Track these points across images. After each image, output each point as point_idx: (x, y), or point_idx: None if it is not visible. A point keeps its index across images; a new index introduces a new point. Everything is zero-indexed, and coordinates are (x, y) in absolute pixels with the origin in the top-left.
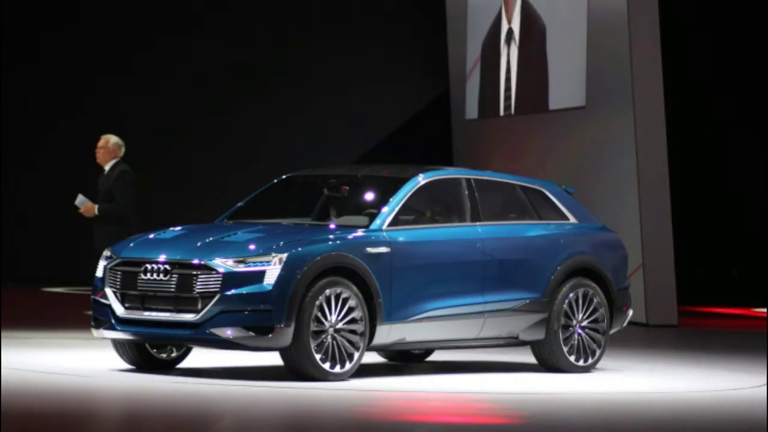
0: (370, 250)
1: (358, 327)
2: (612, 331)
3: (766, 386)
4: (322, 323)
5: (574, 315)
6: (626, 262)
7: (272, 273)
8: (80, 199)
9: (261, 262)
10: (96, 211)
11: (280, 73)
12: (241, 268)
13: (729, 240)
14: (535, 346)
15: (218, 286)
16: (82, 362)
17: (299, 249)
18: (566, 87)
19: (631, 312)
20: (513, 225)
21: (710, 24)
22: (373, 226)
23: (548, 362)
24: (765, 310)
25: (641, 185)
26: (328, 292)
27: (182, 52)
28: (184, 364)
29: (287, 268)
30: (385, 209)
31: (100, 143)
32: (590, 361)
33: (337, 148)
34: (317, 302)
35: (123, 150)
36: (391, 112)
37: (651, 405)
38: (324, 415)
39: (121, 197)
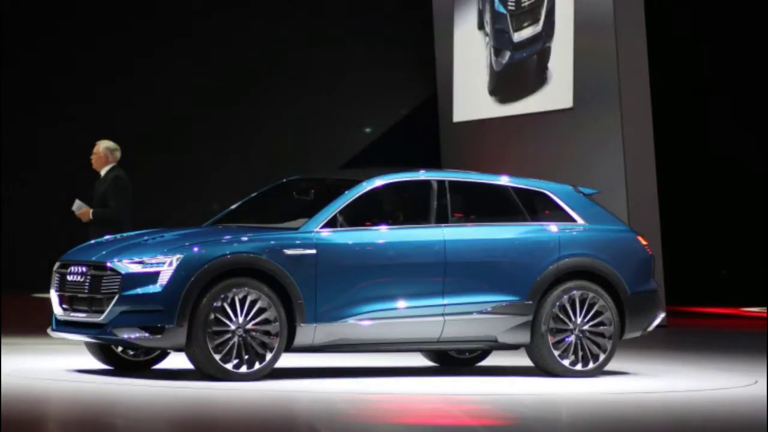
0: (290, 252)
1: (272, 328)
2: (629, 336)
3: (766, 384)
4: (225, 324)
5: (570, 318)
6: (649, 265)
7: (165, 274)
8: (77, 205)
9: (157, 263)
10: (91, 216)
11: (272, 76)
12: (139, 269)
13: (717, 240)
14: (527, 350)
15: (118, 287)
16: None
17: (195, 251)
18: (553, 89)
19: (661, 315)
20: (488, 227)
21: (698, 25)
22: (303, 228)
23: (540, 365)
24: (755, 309)
25: (629, 185)
26: (231, 293)
27: (179, 54)
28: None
29: (180, 270)
30: (320, 212)
31: (94, 149)
32: (591, 365)
33: (333, 149)
34: (216, 303)
35: (118, 154)
36: (386, 114)
37: (643, 405)
38: (314, 417)
39: (113, 202)
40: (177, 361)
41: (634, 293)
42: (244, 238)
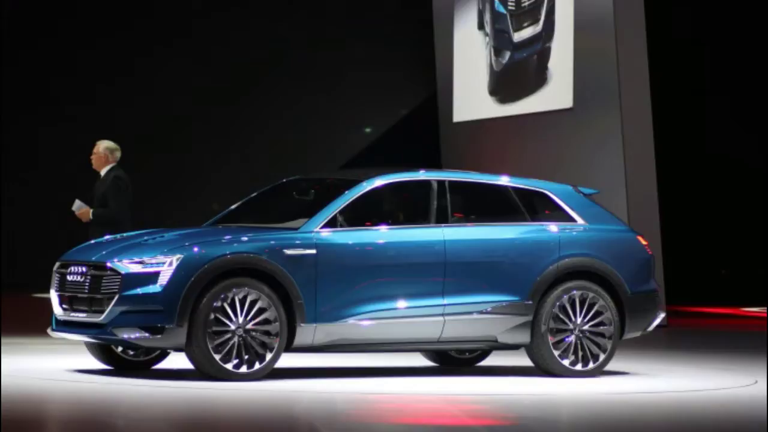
0: (290, 252)
1: (272, 328)
2: (628, 336)
3: (766, 384)
4: (225, 324)
5: (570, 318)
6: (649, 265)
7: (165, 274)
8: (77, 205)
9: (157, 263)
10: (90, 216)
11: (272, 76)
12: (139, 269)
13: (717, 240)
14: (527, 350)
15: (118, 287)
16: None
17: (195, 251)
18: (553, 89)
19: (661, 315)
20: (488, 227)
21: (698, 25)
22: (303, 228)
23: (540, 365)
24: (755, 309)
25: (629, 185)
26: (231, 293)
27: (179, 54)
28: (171, 364)
29: (180, 270)
30: (320, 212)
31: (94, 149)
32: (591, 365)
33: (333, 149)
34: (216, 303)
35: (118, 154)
36: (386, 114)
37: (643, 405)
38: (314, 417)
39: (113, 202)
40: (177, 361)
41: (634, 293)
42: (244, 238)
